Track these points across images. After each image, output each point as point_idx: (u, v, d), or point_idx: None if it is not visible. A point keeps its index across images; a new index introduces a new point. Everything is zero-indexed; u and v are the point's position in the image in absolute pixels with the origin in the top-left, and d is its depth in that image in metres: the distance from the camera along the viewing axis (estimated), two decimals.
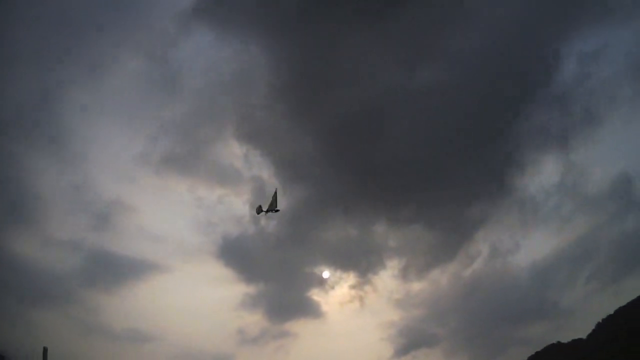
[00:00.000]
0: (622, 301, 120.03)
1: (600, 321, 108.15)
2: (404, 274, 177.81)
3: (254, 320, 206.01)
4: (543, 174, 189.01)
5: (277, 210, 58.11)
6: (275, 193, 59.69)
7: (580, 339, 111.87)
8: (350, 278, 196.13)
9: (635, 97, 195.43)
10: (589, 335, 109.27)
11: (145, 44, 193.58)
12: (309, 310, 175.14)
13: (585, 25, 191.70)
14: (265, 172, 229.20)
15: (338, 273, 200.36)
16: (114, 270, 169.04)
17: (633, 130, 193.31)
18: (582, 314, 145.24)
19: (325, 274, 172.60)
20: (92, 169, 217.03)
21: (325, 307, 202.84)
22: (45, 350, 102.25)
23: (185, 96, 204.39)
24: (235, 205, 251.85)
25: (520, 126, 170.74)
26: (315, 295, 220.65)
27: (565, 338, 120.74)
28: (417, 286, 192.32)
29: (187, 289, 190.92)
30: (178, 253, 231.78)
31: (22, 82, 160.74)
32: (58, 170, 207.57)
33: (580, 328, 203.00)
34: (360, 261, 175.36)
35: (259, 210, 59.13)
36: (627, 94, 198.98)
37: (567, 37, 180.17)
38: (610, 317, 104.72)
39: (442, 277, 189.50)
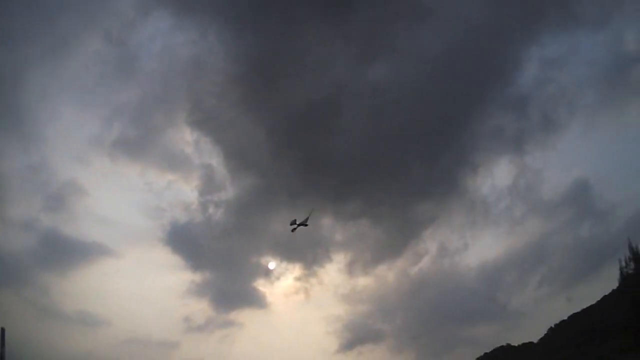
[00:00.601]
0: (576, 307, 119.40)
1: (553, 326, 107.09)
2: (350, 269, 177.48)
3: (200, 308, 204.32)
4: (496, 176, 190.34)
5: (307, 225, 67.59)
6: (311, 211, 70.71)
7: (531, 343, 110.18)
8: (296, 270, 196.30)
9: (596, 105, 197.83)
10: (541, 339, 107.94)
11: (104, 26, 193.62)
12: (255, 300, 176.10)
13: (548, 31, 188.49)
14: (215, 159, 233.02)
15: (284, 264, 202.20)
16: (66, 252, 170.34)
17: (593, 138, 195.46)
18: (534, 318, 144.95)
19: (272, 264, 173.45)
20: (48, 150, 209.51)
21: (270, 298, 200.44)
22: (2, 330, 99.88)
23: (140, 80, 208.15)
24: (184, 192, 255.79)
25: (475, 127, 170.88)
26: (261, 285, 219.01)
27: (516, 341, 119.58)
28: (363, 281, 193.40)
29: (136, 274, 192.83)
30: (127, 238, 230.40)
31: None
32: (15, 151, 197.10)
33: (531, 332, 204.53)
34: (306, 253, 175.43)
35: (293, 222, 67.87)
36: (588, 102, 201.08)
37: (530, 41, 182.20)
38: (563, 322, 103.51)
39: (388, 274, 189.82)
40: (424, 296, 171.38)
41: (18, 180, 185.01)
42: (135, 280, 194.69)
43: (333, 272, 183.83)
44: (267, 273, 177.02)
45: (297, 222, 67.29)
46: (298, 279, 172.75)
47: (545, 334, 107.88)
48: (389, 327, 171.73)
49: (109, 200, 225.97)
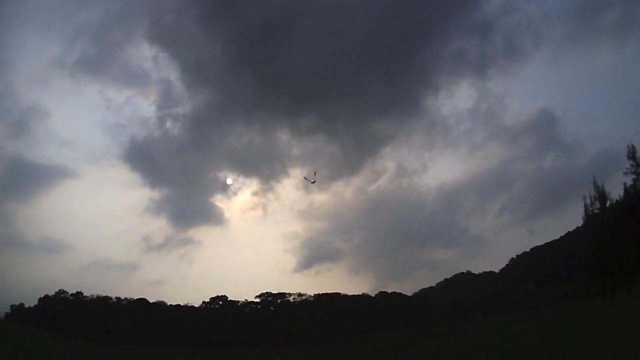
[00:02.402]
0: (538, 240, 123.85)
1: (515, 257, 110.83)
2: (306, 185, 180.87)
3: (159, 226, 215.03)
4: (457, 99, 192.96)
5: (314, 182, 75.25)
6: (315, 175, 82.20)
7: (492, 272, 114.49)
8: (253, 184, 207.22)
9: (563, 40, 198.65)
10: (502, 270, 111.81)
11: None
12: (212, 216, 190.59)
13: None
14: (172, 74, 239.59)
15: (241, 179, 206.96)
16: (29, 178, 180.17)
17: (559, 71, 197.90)
18: (494, 246, 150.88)
19: (229, 180, 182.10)
20: (12, 77, 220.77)
21: (228, 214, 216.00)
22: None
23: None
24: (143, 107, 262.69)
25: (437, 49, 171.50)
26: (218, 201, 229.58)
27: (476, 269, 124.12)
28: (320, 198, 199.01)
29: (96, 195, 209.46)
30: (87, 157, 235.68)
31: None
32: None
33: (492, 261, 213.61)
34: (263, 168, 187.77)
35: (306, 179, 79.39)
36: (555, 35, 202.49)
37: None
38: (525, 254, 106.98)
39: (345, 190, 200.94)
40: (382, 216, 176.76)
41: None
42: (96, 200, 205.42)
43: (290, 187, 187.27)
44: (224, 188, 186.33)
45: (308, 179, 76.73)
46: (255, 193, 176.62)
47: (507, 265, 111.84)
48: (347, 246, 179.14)
49: (70, 121, 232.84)
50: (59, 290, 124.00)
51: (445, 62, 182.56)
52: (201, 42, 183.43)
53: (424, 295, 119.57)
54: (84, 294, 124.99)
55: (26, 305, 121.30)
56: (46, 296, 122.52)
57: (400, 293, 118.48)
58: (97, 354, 71.77)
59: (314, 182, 73.41)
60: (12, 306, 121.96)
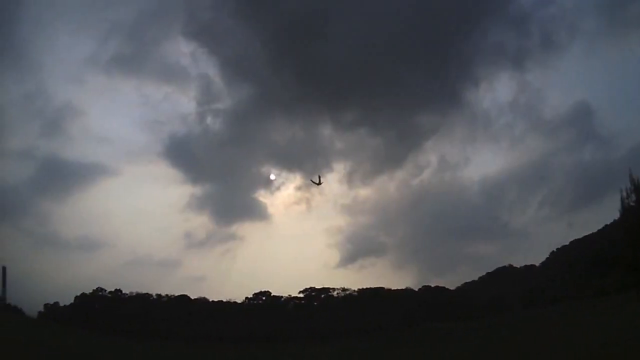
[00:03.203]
0: (577, 233, 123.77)
1: (555, 250, 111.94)
2: (350, 179, 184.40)
3: (201, 222, 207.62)
4: (497, 91, 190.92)
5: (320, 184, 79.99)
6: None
7: (532, 266, 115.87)
8: (297, 179, 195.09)
9: (596, 32, 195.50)
10: (542, 263, 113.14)
11: None
12: (255, 212, 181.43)
13: None
14: (211, 70, 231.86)
15: (284, 174, 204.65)
16: (65, 177, 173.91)
17: (594, 63, 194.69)
18: (535, 240, 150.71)
19: (272, 176, 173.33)
20: (44, 77, 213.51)
21: (271, 209, 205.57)
22: (4, 269, 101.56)
23: None
24: (182, 103, 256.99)
25: (476, 41, 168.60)
26: (262, 196, 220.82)
27: (517, 262, 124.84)
28: (364, 192, 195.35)
29: (135, 192, 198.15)
30: (125, 154, 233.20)
31: None
32: (8, 82, 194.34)
33: (532, 254, 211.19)
34: (306, 162, 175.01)
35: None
36: (589, 27, 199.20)
37: None
38: (564, 247, 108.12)
39: (389, 185, 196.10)
40: (426, 209, 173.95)
41: (14, 110, 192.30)
42: (135, 197, 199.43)
43: (333, 182, 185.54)
44: (267, 183, 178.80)
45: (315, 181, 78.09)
46: (299, 188, 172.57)
47: (547, 258, 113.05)
48: (391, 240, 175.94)
49: (107, 118, 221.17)
50: (97, 288, 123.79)
51: (485, 55, 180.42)
52: (239, 37, 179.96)
53: (466, 289, 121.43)
54: (123, 292, 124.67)
55: (61, 304, 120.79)
56: (83, 294, 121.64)
57: (444, 287, 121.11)
58: (136, 351, 71.95)
59: (320, 184, 74.49)
60: (45, 305, 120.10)
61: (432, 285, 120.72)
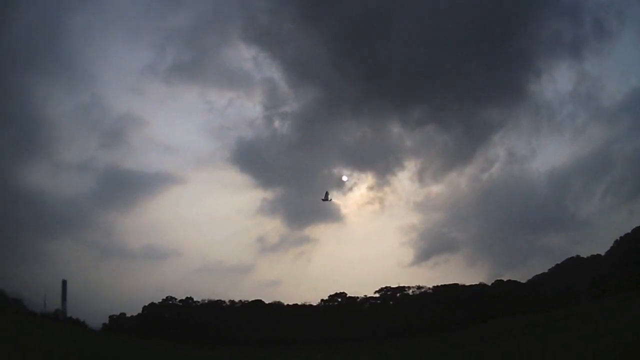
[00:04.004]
0: (638, 220, 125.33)
1: (618, 239, 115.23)
2: (421, 176, 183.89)
3: (273, 226, 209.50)
4: (558, 82, 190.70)
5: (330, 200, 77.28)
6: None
7: (598, 255, 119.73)
8: (369, 179, 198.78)
9: None
10: (607, 252, 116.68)
11: None
12: (328, 214, 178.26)
13: None
14: (275, 73, 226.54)
15: (355, 174, 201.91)
16: (127, 187, 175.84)
17: None
18: (600, 229, 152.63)
19: (344, 177, 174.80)
20: (99, 87, 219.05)
21: (344, 211, 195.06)
22: (64, 283, 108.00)
23: (188, 2, 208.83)
24: (247, 108, 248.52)
25: (534, 32, 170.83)
26: (334, 198, 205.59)
27: (585, 252, 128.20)
28: (435, 189, 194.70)
29: (203, 199, 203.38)
30: (192, 162, 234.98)
31: (22, 12, 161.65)
32: (64, 93, 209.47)
33: (598, 243, 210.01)
34: (377, 162, 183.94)
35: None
36: (637, 14, 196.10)
37: None
38: (627, 235, 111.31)
39: (460, 180, 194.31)
40: (496, 203, 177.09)
41: (69, 122, 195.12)
42: (205, 204, 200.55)
43: (405, 180, 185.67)
44: (339, 184, 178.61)
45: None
46: (371, 188, 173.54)
47: (612, 247, 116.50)
48: (464, 236, 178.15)
49: (170, 127, 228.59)
50: (167, 297, 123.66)
51: (543, 46, 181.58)
52: (301, 39, 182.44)
53: (537, 282, 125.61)
54: (194, 299, 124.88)
55: (128, 315, 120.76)
56: (152, 304, 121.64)
57: (515, 281, 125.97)
58: (209, 358, 73.00)
59: (330, 200, 76.93)
60: (111, 317, 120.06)
61: (505, 280, 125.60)
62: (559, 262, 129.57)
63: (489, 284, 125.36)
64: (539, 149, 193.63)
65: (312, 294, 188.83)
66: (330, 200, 73.91)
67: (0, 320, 70.27)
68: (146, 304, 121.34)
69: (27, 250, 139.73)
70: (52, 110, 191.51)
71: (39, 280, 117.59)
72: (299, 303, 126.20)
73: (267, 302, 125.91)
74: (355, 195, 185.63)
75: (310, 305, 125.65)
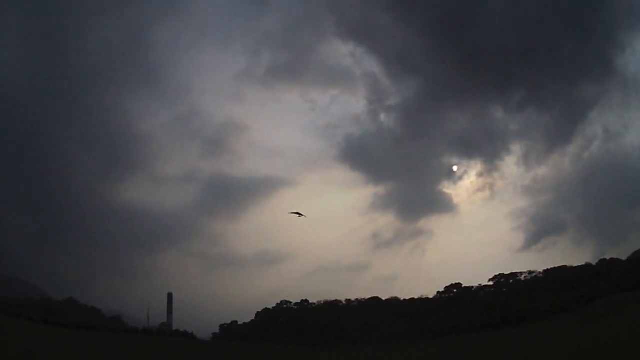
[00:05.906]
0: None
1: None
2: (527, 160, 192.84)
3: (387, 221, 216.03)
4: None
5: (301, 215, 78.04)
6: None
7: None
8: (478, 166, 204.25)
9: None
10: None
11: None
12: (441, 204, 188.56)
13: None
14: (375, 67, 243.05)
15: (464, 162, 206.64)
16: (234, 194, 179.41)
17: None
18: None
19: (455, 167, 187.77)
20: (195, 97, 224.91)
21: (456, 200, 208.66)
22: (170, 296, 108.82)
23: (276, 3, 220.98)
24: (351, 104, 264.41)
25: (614, 4, 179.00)
26: (446, 188, 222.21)
27: None
28: (541, 171, 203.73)
29: (315, 200, 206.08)
30: (300, 163, 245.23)
31: (107, 28, 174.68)
32: (159, 107, 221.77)
33: None
34: (484, 148, 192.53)
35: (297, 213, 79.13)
36: None
37: None
38: None
39: (563, 161, 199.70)
40: (598, 182, 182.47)
41: (166, 135, 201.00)
42: (317, 205, 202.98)
43: (512, 164, 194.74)
44: (449, 174, 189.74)
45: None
46: (480, 175, 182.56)
47: None
48: (570, 216, 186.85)
49: (274, 130, 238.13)
50: (281, 301, 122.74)
51: (624, 19, 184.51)
52: (395, 32, 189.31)
53: (637, 258, 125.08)
54: (310, 301, 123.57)
55: (240, 323, 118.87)
56: (265, 309, 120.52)
57: (617, 259, 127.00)
58: (328, 358, 75.73)
59: (302, 216, 77.71)
60: (221, 326, 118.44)
61: (607, 258, 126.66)
62: None
63: (594, 264, 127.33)
64: (631, 124, 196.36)
65: (429, 286, 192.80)
66: (303, 216, 78.04)
67: (98, 338, 73.55)
68: (259, 310, 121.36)
69: (128, 266, 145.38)
70: (147, 125, 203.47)
71: (142, 296, 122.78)
72: (416, 297, 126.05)
73: (383, 299, 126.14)
74: (466, 183, 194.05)
75: (427, 299, 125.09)
